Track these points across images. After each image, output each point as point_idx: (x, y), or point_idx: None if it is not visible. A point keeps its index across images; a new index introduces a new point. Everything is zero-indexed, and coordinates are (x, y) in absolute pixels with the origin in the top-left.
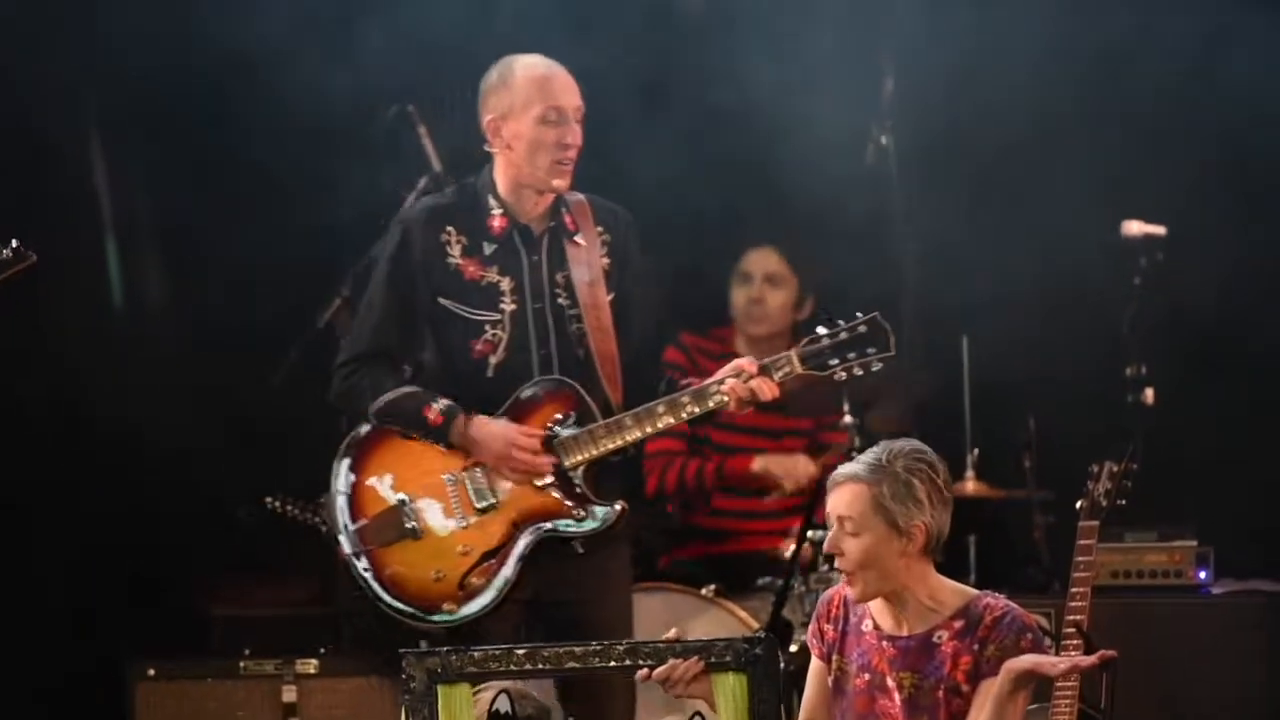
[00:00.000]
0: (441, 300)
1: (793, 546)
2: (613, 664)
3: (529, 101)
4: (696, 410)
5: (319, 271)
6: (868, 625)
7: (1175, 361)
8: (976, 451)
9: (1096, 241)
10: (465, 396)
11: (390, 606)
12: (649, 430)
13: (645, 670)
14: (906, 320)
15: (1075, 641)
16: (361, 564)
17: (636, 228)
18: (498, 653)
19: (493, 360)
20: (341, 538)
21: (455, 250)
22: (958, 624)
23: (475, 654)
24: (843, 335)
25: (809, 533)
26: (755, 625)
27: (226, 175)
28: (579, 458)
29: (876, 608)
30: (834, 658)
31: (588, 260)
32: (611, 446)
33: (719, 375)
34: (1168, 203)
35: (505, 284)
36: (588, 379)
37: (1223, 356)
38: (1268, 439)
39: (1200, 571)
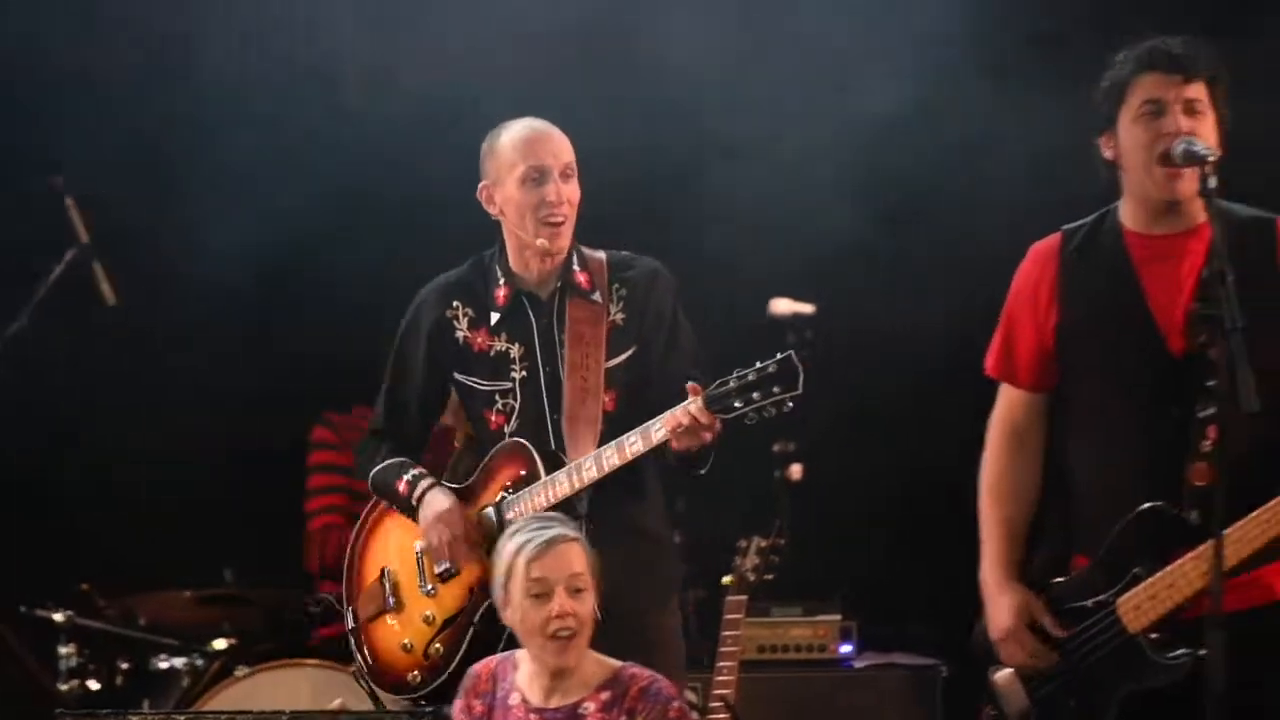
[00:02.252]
0: (457, 375)
1: None
2: None
3: (513, 164)
4: (641, 447)
5: None
6: (515, 699)
7: (823, 437)
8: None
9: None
10: None
11: (370, 681)
12: (587, 480)
13: None
14: None
15: (722, 716)
16: (354, 641)
17: (672, 282)
18: (158, 719)
19: (508, 429)
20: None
21: (463, 324)
22: (604, 695)
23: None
24: (750, 376)
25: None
26: (403, 703)
27: None
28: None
29: (525, 680)
30: None
31: (592, 318)
32: (542, 505)
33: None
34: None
35: (515, 351)
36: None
37: (870, 433)
38: (911, 514)
39: (844, 645)
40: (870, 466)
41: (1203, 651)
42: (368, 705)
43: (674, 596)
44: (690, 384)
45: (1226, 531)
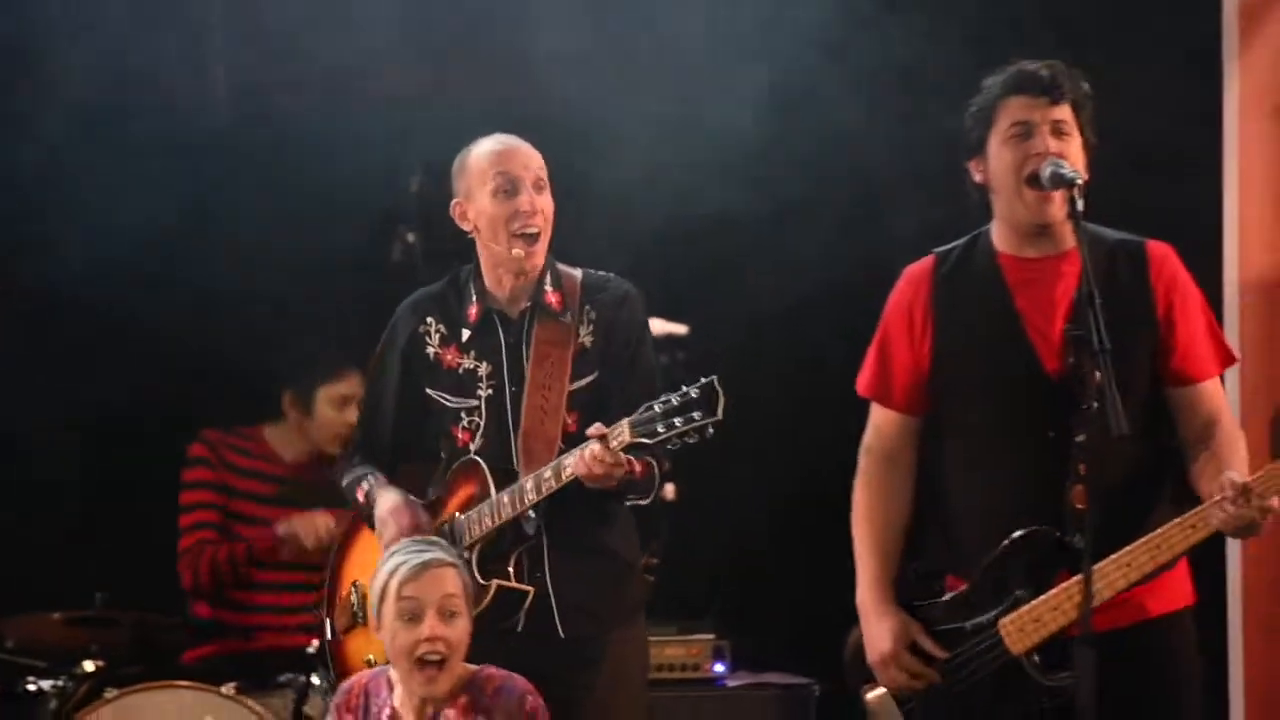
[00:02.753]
0: (428, 390)
1: (315, 642)
2: None
3: (484, 177)
4: (554, 484)
5: None
6: (386, 716)
7: (695, 457)
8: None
9: None
10: None
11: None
12: (518, 508)
13: None
14: None
15: None
16: (328, 654)
17: (641, 305)
18: None
19: (473, 447)
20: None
21: (434, 340)
22: (462, 699)
23: None
24: (674, 401)
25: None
26: None
27: None
28: (468, 540)
29: (399, 695)
30: None
31: (559, 339)
32: (490, 526)
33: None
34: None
35: (483, 369)
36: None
37: (741, 451)
38: (785, 533)
39: (717, 664)
40: (743, 486)
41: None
42: None
43: (638, 617)
44: (593, 427)
45: (1114, 557)
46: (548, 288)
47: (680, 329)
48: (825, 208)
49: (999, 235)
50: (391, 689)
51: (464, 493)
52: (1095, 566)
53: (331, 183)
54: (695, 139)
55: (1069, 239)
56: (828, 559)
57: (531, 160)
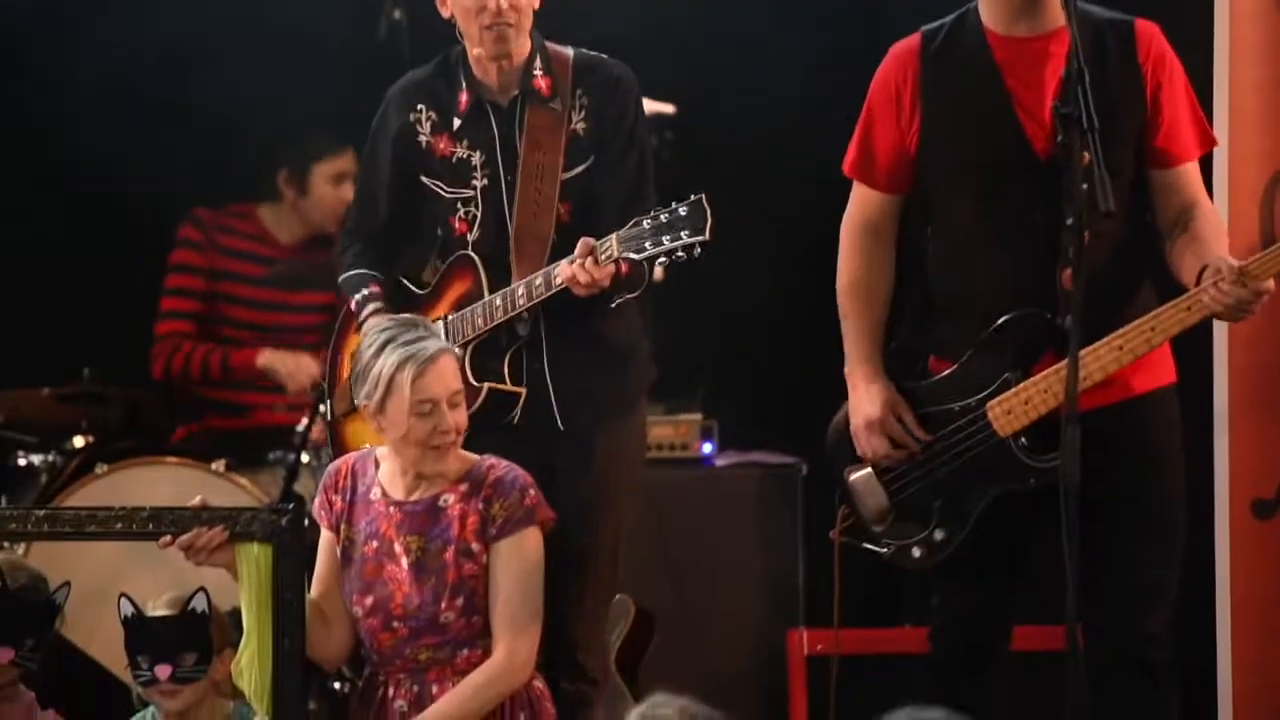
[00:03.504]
0: (423, 178)
1: (304, 421)
2: (135, 529)
3: None
4: (544, 291)
5: None
6: (376, 493)
7: None
8: None
9: None
10: None
11: None
12: (510, 312)
13: (168, 537)
14: None
15: None
16: (329, 435)
17: (635, 88)
18: (16, 514)
19: (470, 238)
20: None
21: (425, 128)
22: (463, 487)
23: None
24: (662, 218)
25: (320, 406)
26: (265, 499)
27: None
28: (460, 339)
29: (386, 476)
30: (342, 527)
31: (551, 125)
32: (482, 327)
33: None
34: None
35: (476, 158)
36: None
37: (725, 233)
38: (771, 313)
39: (705, 444)
40: (728, 266)
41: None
42: (229, 502)
43: (638, 404)
44: (582, 239)
45: (1108, 339)
46: (537, 72)
47: (668, 108)
48: None
49: (987, 11)
50: (378, 466)
51: (458, 288)
52: (1089, 348)
53: None
54: None
55: (1058, 17)
56: (814, 338)
57: None
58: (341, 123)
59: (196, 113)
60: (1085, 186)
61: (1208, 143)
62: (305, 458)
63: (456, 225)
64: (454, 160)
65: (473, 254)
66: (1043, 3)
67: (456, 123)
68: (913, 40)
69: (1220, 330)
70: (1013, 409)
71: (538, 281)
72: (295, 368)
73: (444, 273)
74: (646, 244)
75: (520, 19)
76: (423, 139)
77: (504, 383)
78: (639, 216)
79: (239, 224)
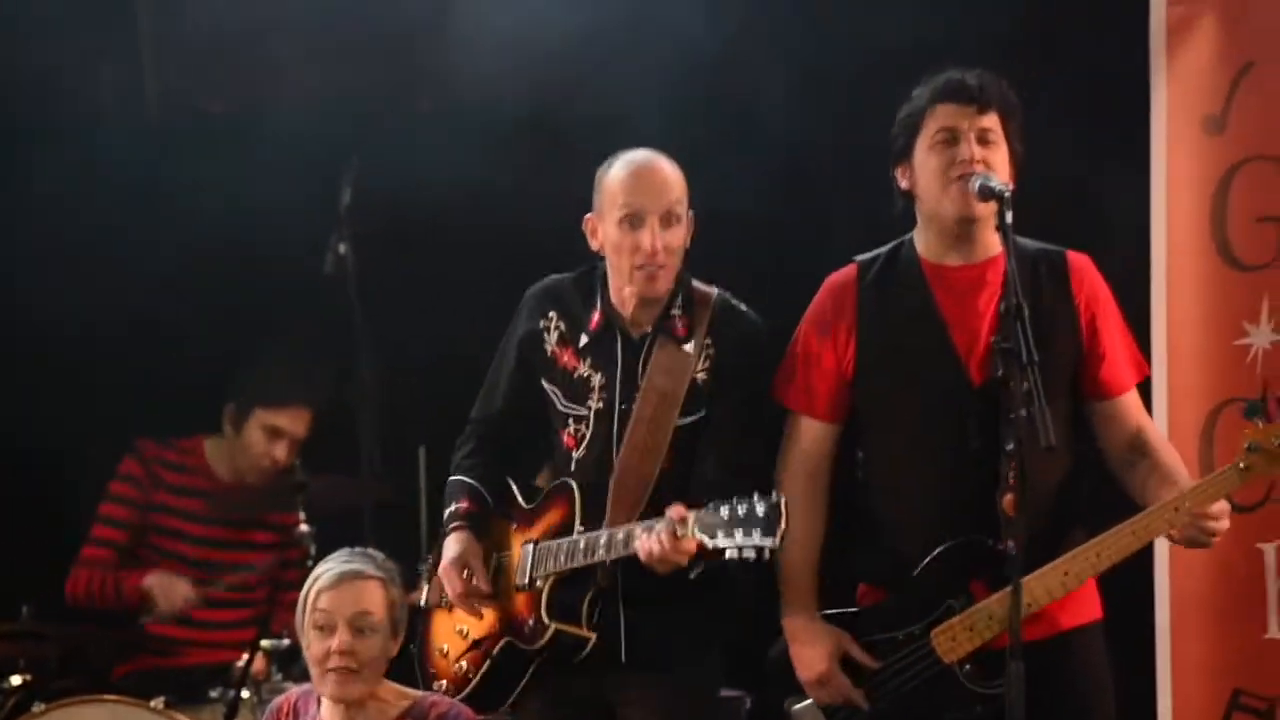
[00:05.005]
0: (544, 383)
1: (245, 657)
2: None
3: (613, 203)
4: (623, 549)
5: None
6: None
7: None
8: (431, 560)
9: None
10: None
11: (417, 662)
12: (588, 559)
13: None
14: (365, 429)
15: None
16: (421, 618)
17: (766, 343)
18: None
19: (576, 455)
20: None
21: (552, 337)
22: None
23: None
24: (740, 510)
25: (262, 642)
26: None
27: None
28: (543, 571)
29: (327, 711)
30: None
31: (678, 368)
32: (563, 565)
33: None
34: None
35: (596, 380)
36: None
37: None
38: None
39: None
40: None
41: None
42: None
43: (709, 658)
44: (674, 507)
45: (1054, 564)
46: (675, 311)
47: None
48: None
49: (922, 243)
50: (319, 703)
51: (554, 516)
52: (1036, 574)
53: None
54: None
55: (991, 247)
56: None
57: (665, 191)
58: (293, 377)
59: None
60: (1025, 414)
61: (1142, 370)
62: (245, 693)
63: (565, 439)
64: (575, 376)
65: (573, 483)
66: (975, 234)
67: (584, 339)
68: (849, 271)
69: (1161, 557)
70: (956, 636)
71: (619, 536)
72: (169, 588)
73: (546, 495)
74: (719, 534)
75: (671, 260)
76: (548, 347)
77: (578, 625)
78: (718, 501)
79: (182, 458)
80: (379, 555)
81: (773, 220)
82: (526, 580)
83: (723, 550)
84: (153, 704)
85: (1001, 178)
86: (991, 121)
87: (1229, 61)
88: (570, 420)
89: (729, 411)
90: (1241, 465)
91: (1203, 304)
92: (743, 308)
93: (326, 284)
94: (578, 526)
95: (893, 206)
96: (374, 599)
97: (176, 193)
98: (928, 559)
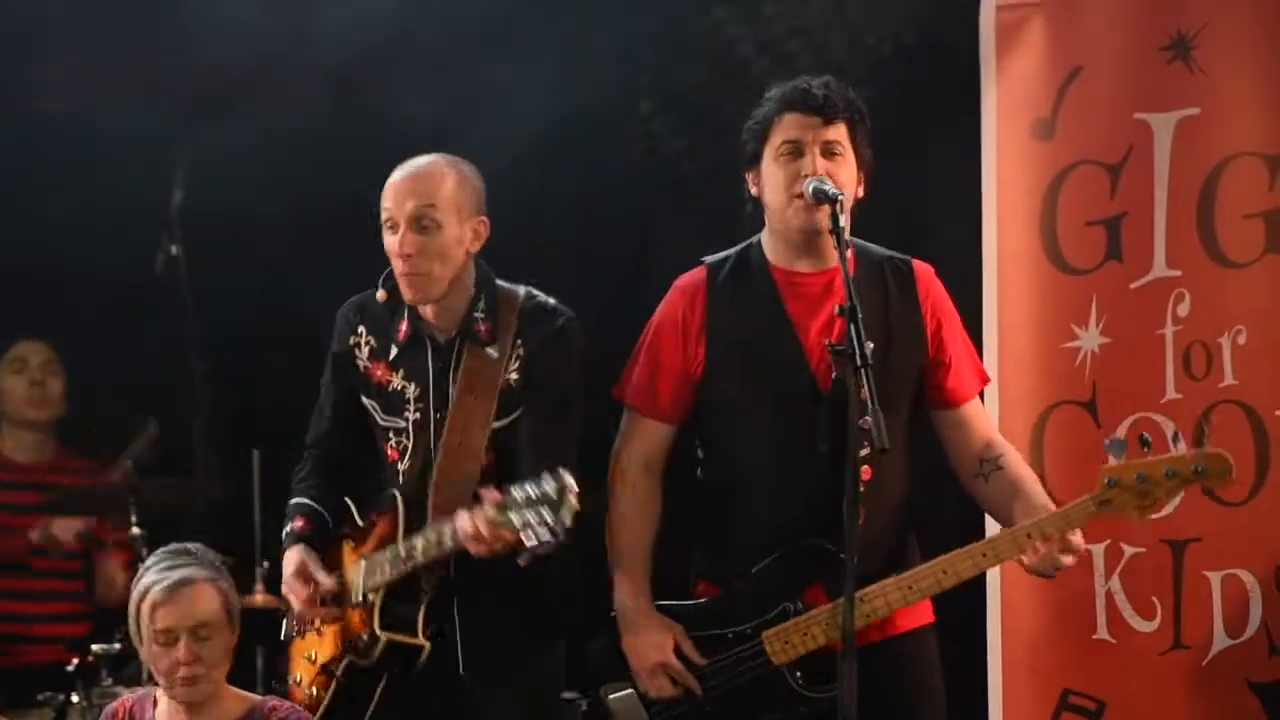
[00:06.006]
0: (364, 399)
1: (76, 660)
2: None
3: (383, 210)
4: (439, 550)
5: None
6: None
7: None
8: (266, 564)
9: None
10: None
11: None
12: (408, 566)
13: None
14: (199, 434)
15: None
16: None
17: (579, 340)
18: None
19: (400, 467)
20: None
21: (364, 353)
22: None
23: None
24: (530, 494)
25: (93, 645)
26: None
27: None
28: (372, 583)
29: (164, 716)
30: None
31: (487, 372)
32: (389, 575)
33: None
34: None
35: (411, 391)
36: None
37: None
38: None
39: None
40: None
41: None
42: None
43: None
44: (486, 491)
45: (899, 578)
46: (479, 314)
47: None
48: None
49: (771, 248)
50: (156, 705)
51: (382, 528)
52: (878, 586)
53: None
54: None
55: (837, 254)
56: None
57: (413, 196)
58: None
59: None
60: (863, 421)
61: (984, 379)
62: (75, 697)
63: (389, 452)
64: (389, 389)
65: (397, 494)
66: (822, 243)
67: (394, 351)
68: (698, 273)
69: (993, 571)
70: (790, 639)
71: (432, 536)
72: (65, 526)
73: (376, 510)
74: (513, 517)
75: (432, 266)
76: (361, 363)
77: (413, 634)
78: (513, 486)
79: None
80: (199, 548)
81: None
82: (361, 596)
83: (519, 531)
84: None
85: (846, 189)
86: (837, 133)
87: (1057, 66)
88: (391, 433)
89: (541, 411)
90: (1100, 499)
91: (1033, 307)
92: (551, 303)
93: (158, 285)
94: (400, 538)
95: (742, 208)
96: (210, 604)
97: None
98: (767, 560)
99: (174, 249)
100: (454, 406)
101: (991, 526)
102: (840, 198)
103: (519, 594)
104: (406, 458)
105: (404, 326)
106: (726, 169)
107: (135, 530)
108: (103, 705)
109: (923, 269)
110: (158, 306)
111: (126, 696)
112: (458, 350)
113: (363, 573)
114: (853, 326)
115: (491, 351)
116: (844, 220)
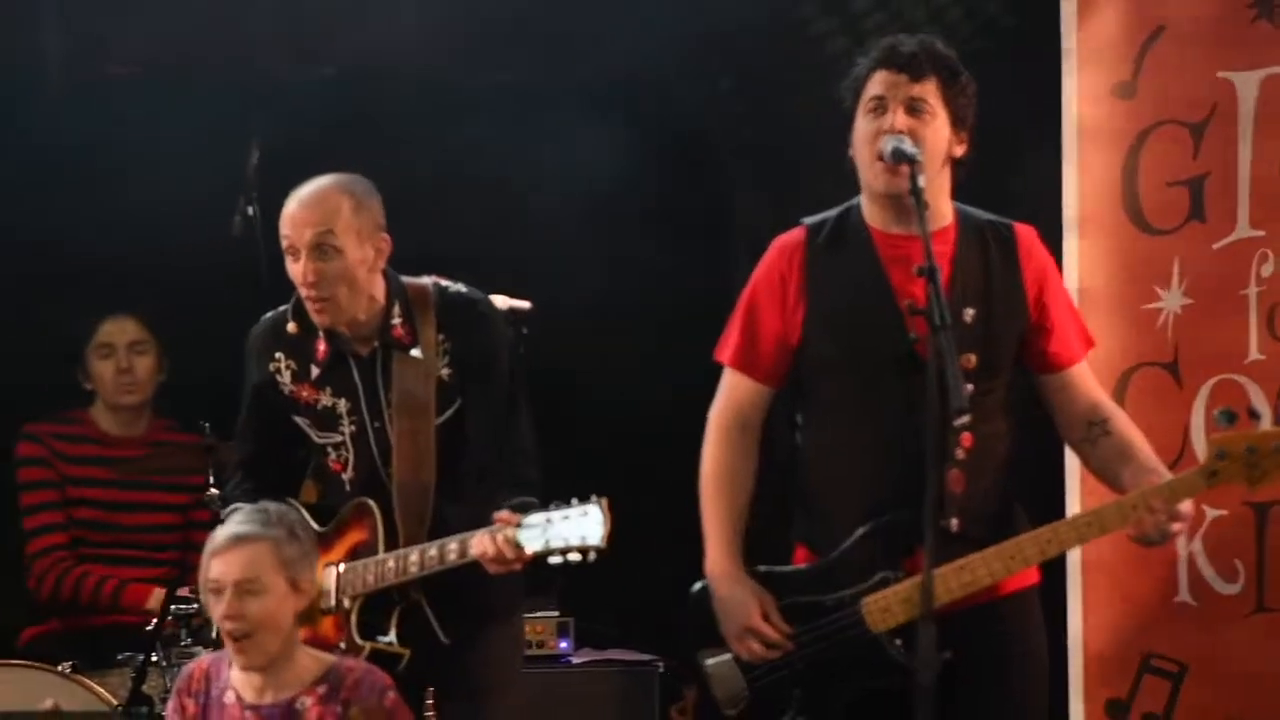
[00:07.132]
0: (295, 418)
1: (154, 621)
2: None
3: (283, 237)
4: (438, 564)
5: None
6: (230, 697)
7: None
8: None
9: None
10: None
11: None
12: (401, 577)
13: None
14: None
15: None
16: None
17: (499, 318)
18: None
19: (345, 477)
20: None
21: (285, 377)
22: (321, 689)
23: None
24: (565, 516)
25: (172, 606)
26: (114, 701)
27: None
28: (350, 592)
29: (239, 678)
30: None
31: (419, 376)
32: (371, 585)
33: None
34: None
35: (342, 406)
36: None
37: (593, 435)
38: (628, 509)
39: (562, 642)
40: (582, 463)
41: (948, 654)
42: (80, 705)
43: (515, 615)
44: (501, 513)
45: (1001, 546)
46: (395, 320)
47: (524, 305)
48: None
49: (868, 211)
50: (231, 666)
51: (355, 537)
52: (979, 554)
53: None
54: None
55: (939, 217)
56: (672, 534)
57: (312, 223)
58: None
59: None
60: (964, 385)
61: (1089, 343)
62: (154, 657)
63: (332, 464)
64: (319, 407)
65: (372, 503)
66: (911, 205)
67: (315, 371)
68: (797, 233)
69: None
70: (890, 606)
71: (433, 554)
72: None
73: (343, 516)
74: (540, 540)
75: (336, 290)
76: (285, 388)
77: (389, 642)
78: (541, 512)
79: (74, 429)
80: (276, 511)
81: None
82: (333, 602)
83: (546, 555)
84: (60, 668)
85: (932, 149)
86: (925, 90)
87: (1139, 26)
88: (329, 448)
89: (486, 402)
90: (1208, 472)
91: (1115, 269)
92: (462, 289)
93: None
94: (380, 550)
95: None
96: (261, 562)
97: (81, 158)
98: (866, 527)
99: (251, 210)
100: (395, 414)
101: (1072, 489)
102: (918, 158)
103: (493, 604)
104: (350, 469)
105: (322, 346)
106: None
107: (212, 491)
108: (181, 665)
109: (1025, 232)
110: (233, 268)
111: (204, 657)
112: (382, 361)
113: (337, 580)
114: (932, 287)
115: (416, 353)
116: (922, 181)
